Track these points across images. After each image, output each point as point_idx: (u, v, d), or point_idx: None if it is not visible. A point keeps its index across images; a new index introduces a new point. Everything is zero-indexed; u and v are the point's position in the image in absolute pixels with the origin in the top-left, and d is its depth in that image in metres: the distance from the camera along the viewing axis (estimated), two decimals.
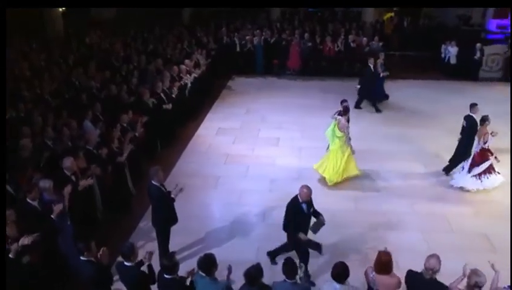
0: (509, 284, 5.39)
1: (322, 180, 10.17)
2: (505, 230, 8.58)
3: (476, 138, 9.91)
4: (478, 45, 17.92)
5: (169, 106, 11.77)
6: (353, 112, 12.07)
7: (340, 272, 5.23)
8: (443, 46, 18.73)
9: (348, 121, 10.25)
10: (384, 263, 5.44)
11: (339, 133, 9.92)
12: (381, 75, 14.87)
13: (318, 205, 8.99)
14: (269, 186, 10.07)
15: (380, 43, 18.59)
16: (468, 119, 10.29)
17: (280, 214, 8.92)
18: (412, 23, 23.40)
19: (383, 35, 20.52)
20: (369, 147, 11.66)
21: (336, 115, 10.25)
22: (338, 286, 5.23)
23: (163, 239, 7.34)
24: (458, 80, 17.76)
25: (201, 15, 24.15)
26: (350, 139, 10.18)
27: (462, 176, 10.05)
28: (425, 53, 19.76)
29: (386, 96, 15.44)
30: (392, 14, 24.13)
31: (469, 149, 10.16)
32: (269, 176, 10.48)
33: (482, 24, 21.91)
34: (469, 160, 9.95)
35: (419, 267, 5.43)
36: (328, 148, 10.43)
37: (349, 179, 10.20)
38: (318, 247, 7.53)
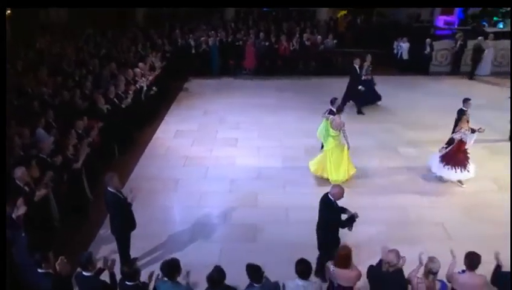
0: (464, 268, 5.61)
1: (277, 179, 10.29)
2: (459, 219, 8.98)
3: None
4: (428, 40, 18.50)
5: (129, 101, 11.76)
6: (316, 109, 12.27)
7: (304, 269, 5.31)
8: (395, 43, 19.17)
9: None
10: (343, 257, 5.56)
11: (333, 132, 10.00)
12: (363, 77, 14.51)
13: (277, 202, 9.17)
14: (229, 187, 10.07)
15: (335, 41, 18.90)
16: (460, 113, 10.68)
17: (241, 214, 9.08)
18: (365, 20, 23.84)
19: (337, 33, 20.86)
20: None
21: (326, 114, 10.38)
22: (300, 282, 5.30)
23: (123, 246, 7.22)
24: (410, 74, 18.27)
25: (155, 16, 23.84)
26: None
27: (434, 159, 10.37)
28: (378, 49, 20.08)
29: (379, 98, 15.17)
30: (345, 12, 24.54)
31: None
32: (228, 176, 10.47)
33: (431, 20, 22.58)
34: (445, 150, 10.18)
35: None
36: (322, 148, 10.60)
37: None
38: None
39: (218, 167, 10.97)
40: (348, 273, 5.57)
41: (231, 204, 9.36)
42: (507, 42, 18.84)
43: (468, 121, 10.00)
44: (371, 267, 5.69)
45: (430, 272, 5.37)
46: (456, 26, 21.06)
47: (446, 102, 15.04)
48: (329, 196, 6.92)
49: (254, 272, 5.25)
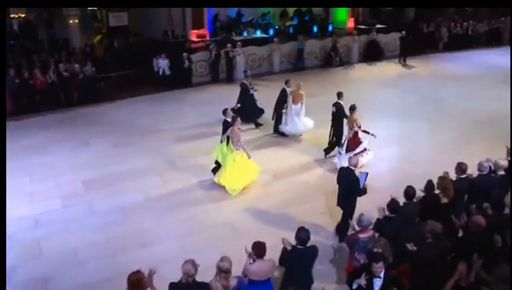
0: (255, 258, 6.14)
1: (59, 221, 9.76)
2: (247, 215, 9.79)
3: (346, 125, 11.56)
4: (185, 54, 19.40)
5: None
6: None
7: None
8: (154, 60, 19.62)
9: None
10: (133, 283, 5.49)
11: (229, 146, 10.52)
12: (251, 92, 14.64)
13: (64, 246, 8.64)
14: (7, 244, 9.07)
15: (93, 68, 18.45)
16: (337, 105, 11.96)
17: (26, 270, 8.33)
18: (122, 42, 23.79)
19: (96, 59, 20.39)
20: (102, 173, 11.71)
21: (225, 135, 10.68)
22: None
23: None
24: (175, 89, 18.90)
25: None
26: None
27: (342, 158, 11.22)
28: (140, 69, 20.29)
29: (262, 111, 15.01)
30: (101, 36, 24.16)
31: (342, 130, 12.01)
32: None
33: (185, 35, 23.65)
34: (344, 145, 11.36)
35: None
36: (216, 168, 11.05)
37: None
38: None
39: None
40: None
41: (12, 262, 8.45)
42: (254, 48, 21.27)
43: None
44: (171, 284, 5.78)
45: (221, 271, 5.75)
46: (208, 38, 22.51)
47: (209, 108, 16.19)
48: (350, 167, 8.57)
49: None
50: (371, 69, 22.54)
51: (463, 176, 8.34)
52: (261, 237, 6.43)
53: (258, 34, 23.27)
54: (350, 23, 25.80)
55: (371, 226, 6.90)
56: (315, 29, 24.78)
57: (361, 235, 6.76)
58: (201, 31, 22.34)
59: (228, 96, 17.57)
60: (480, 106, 16.55)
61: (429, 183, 8.06)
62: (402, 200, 7.52)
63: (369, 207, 7.84)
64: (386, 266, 5.86)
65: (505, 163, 8.74)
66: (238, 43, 20.48)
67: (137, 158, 12.48)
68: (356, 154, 11.00)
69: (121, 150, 13.11)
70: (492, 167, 8.64)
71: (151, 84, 19.27)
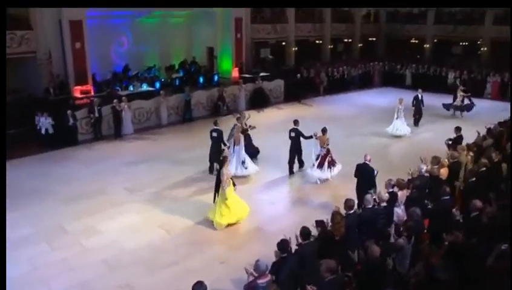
0: None
1: None
2: (143, 272, 9.48)
3: (318, 144, 13.94)
4: (69, 111, 18.56)
5: None
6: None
7: None
8: (36, 118, 18.57)
9: None
10: None
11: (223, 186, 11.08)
12: (248, 131, 15.46)
13: None
14: None
15: None
16: (295, 131, 14.46)
17: None
18: None
19: None
20: None
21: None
22: None
23: None
24: (61, 147, 17.98)
25: None
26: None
27: (314, 171, 13.84)
28: (21, 129, 18.97)
29: (258, 151, 16.17)
30: None
31: (301, 148, 14.56)
32: None
33: (69, 92, 22.76)
34: (318, 160, 13.77)
35: None
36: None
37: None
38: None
39: None
40: None
41: None
42: (141, 102, 21.12)
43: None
44: None
45: None
46: (93, 94, 21.83)
47: (101, 166, 15.65)
48: (366, 162, 11.10)
49: None
50: (258, 115, 23.27)
51: (351, 211, 8.81)
52: None
53: (145, 87, 23.20)
54: (235, 73, 26.73)
55: (268, 271, 6.99)
56: (201, 80, 25.37)
57: (259, 281, 6.82)
58: (85, 87, 21.71)
59: (116, 152, 17.19)
60: (361, 142, 17.86)
61: (319, 222, 8.46)
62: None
63: (267, 252, 7.94)
64: None
65: (386, 196, 9.38)
66: (124, 97, 20.16)
67: (21, 226, 11.45)
68: (327, 167, 13.71)
69: (11, 214, 12.01)
70: (377, 200, 9.26)
71: (34, 144, 18.09)
